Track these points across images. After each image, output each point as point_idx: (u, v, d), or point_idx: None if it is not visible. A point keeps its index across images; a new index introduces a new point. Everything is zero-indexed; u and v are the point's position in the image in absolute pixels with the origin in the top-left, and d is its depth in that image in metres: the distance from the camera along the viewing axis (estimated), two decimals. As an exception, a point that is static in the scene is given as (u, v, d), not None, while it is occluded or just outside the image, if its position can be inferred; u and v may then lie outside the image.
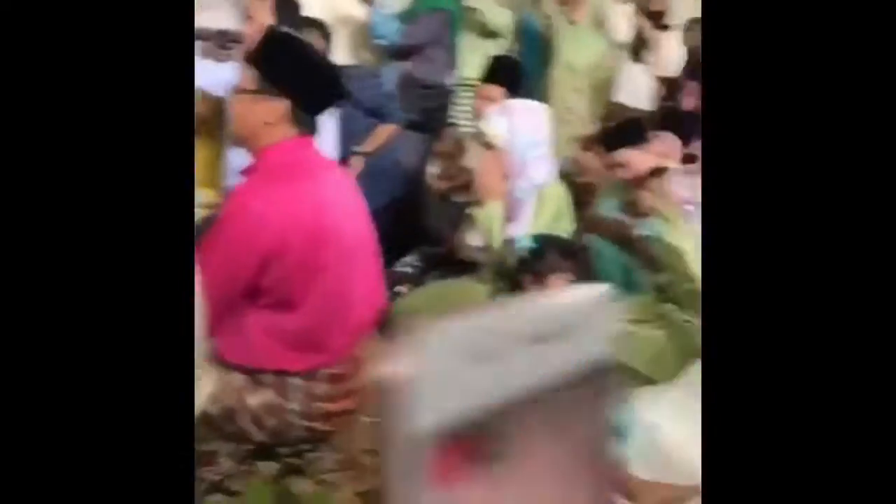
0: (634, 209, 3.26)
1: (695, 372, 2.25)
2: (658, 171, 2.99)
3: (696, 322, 2.43)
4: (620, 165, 3.20)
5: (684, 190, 2.60)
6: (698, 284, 2.44)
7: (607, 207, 3.37)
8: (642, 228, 3.07)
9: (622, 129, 3.32)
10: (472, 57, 4.33)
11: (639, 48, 4.75)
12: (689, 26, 4.79)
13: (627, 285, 2.99)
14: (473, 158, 3.22)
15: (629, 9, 4.85)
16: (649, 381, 2.48)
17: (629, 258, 3.07)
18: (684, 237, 2.54)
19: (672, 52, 4.75)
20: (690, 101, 4.51)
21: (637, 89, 4.73)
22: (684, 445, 2.08)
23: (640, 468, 2.07)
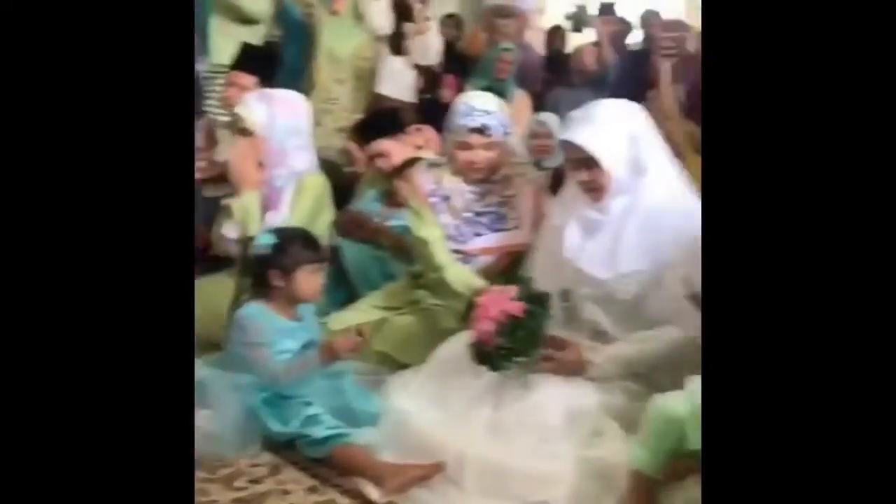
0: (392, 199, 3.33)
1: (443, 353, 2.32)
2: (410, 162, 3.07)
3: (449, 304, 2.53)
4: (380, 155, 3.25)
5: (429, 182, 2.67)
6: (447, 271, 2.53)
7: (368, 198, 3.41)
8: (395, 220, 3.15)
9: (379, 119, 3.37)
10: (226, 43, 4.17)
11: (398, 41, 4.85)
12: (444, 20, 4.95)
13: (382, 275, 3.05)
14: (227, 148, 3.11)
15: (387, 1, 4.92)
16: (402, 365, 2.55)
17: (381, 249, 3.13)
18: (430, 228, 2.59)
19: (431, 45, 4.89)
20: (449, 93, 4.66)
21: (398, 81, 4.83)
22: (431, 426, 2.16)
23: (389, 452, 2.12)
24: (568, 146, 2.20)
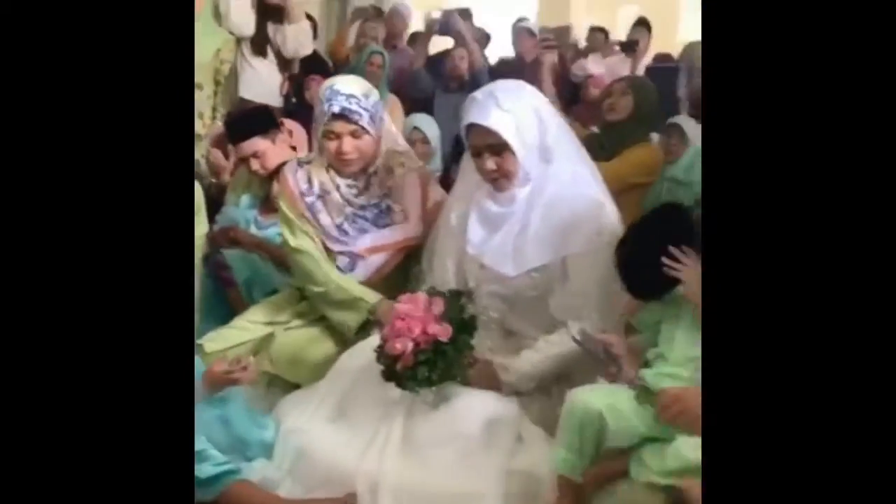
0: (268, 205, 3.05)
1: (342, 366, 2.07)
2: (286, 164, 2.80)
3: (339, 319, 2.29)
4: (254, 156, 2.96)
5: (303, 183, 2.40)
6: (329, 286, 2.30)
7: (243, 205, 3.11)
8: (273, 227, 2.88)
9: (250, 117, 3.07)
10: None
11: (262, 42, 4.54)
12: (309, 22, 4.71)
13: (265, 287, 2.78)
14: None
15: (248, 2, 4.61)
16: (293, 385, 2.28)
17: (263, 261, 2.86)
18: (303, 237, 2.36)
19: (305, 40, 4.62)
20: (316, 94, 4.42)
21: (262, 84, 4.52)
22: (335, 450, 1.91)
23: (290, 486, 1.85)
24: (474, 130, 2.01)
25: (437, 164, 3.89)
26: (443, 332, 1.84)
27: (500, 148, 1.97)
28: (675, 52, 5.32)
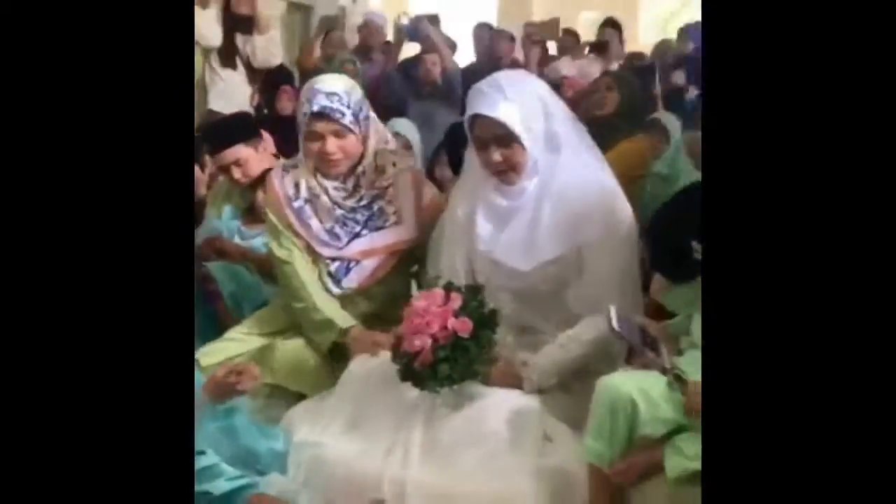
0: (253, 215, 2.94)
1: (355, 370, 1.98)
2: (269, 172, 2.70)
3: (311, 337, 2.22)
4: (236, 164, 2.84)
5: (290, 188, 2.31)
6: (308, 302, 2.21)
7: (226, 216, 2.99)
8: (259, 237, 2.79)
9: (230, 124, 2.97)
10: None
11: (230, 52, 4.45)
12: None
13: (253, 299, 2.68)
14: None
15: (215, 13, 4.51)
16: (298, 395, 2.18)
17: (250, 272, 2.75)
18: (289, 247, 2.27)
19: (265, 57, 4.53)
20: (289, 104, 4.34)
21: (231, 95, 4.42)
22: (354, 458, 1.81)
23: (309, 498, 1.75)
24: (480, 122, 1.94)
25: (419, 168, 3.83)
26: (463, 327, 1.76)
27: (507, 139, 1.91)
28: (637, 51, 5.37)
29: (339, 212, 2.26)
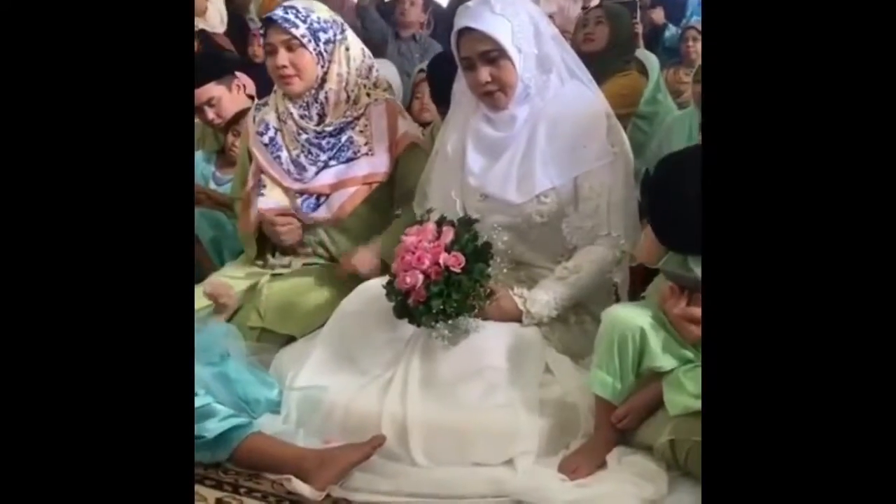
0: (227, 158, 2.84)
1: (347, 307, 1.92)
2: (243, 113, 2.60)
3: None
4: (209, 104, 2.73)
5: (261, 124, 2.24)
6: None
7: (200, 160, 2.88)
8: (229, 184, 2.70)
9: (202, 63, 2.83)
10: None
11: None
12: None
13: (233, 246, 2.59)
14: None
15: None
16: (289, 338, 2.11)
17: (229, 218, 2.66)
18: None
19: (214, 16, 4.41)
20: (260, 49, 4.21)
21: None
22: (351, 396, 1.76)
23: (307, 438, 1.70)
24: (466, 38, 1.84)
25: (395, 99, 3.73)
26: (455, 261, 1.70)
27: (495, 56, 1.82)
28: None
29: (303, 137, 2.18)
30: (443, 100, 2.47)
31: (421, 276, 1.69)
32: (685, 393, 1.57)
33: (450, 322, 1.72)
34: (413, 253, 1.72)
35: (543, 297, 1.83)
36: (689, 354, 1.62)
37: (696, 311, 1.56)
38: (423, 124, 2.82)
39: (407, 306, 1.73)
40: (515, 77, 1.84)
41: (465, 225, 1.78)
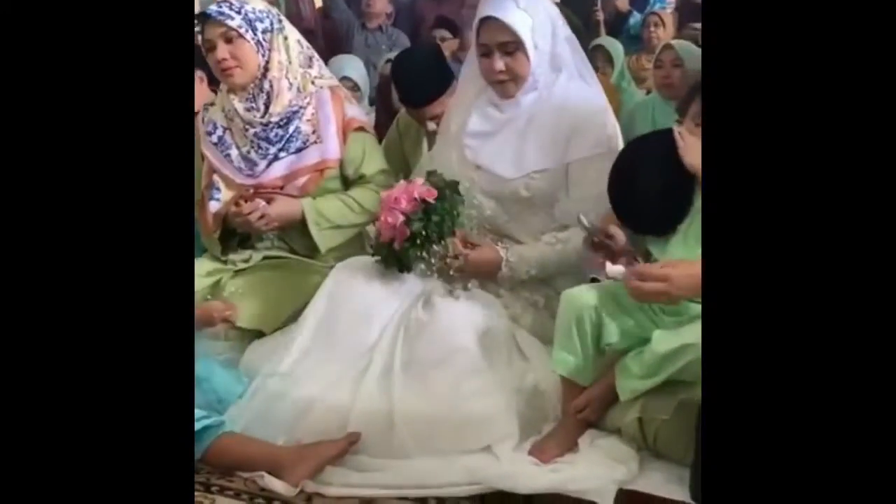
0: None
1: (308, 314, 1.91)
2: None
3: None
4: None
5: (209, 124, 2.24)
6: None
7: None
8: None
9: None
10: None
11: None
12: None
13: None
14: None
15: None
16: (257, 333, 2.10)
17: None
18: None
19: None
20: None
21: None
22: (326, 391, 1.75)
23: (283, 437, 1.70)
24: (488, 25, 1.89)
25: (365, 106, 3.71)
26: (428, 192, 1.82)
27: (512, 47, 1.88)
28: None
29: (251, 131, 2.17)
30: (408, 102, 2.51)
31: (401, 216, 1.80)
32: (633, 376, 1.60)
33: (434, 248, 1.82)
34: (392, 200, 1.84)
35: (526, 253, 1.90)
36: (647, 334, 1.63)
37: (642, 267, 1.57)
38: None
39: (394, 252, 1.83)
40: (528, 70, 1.91)
41: (432, 173, 1.91)
